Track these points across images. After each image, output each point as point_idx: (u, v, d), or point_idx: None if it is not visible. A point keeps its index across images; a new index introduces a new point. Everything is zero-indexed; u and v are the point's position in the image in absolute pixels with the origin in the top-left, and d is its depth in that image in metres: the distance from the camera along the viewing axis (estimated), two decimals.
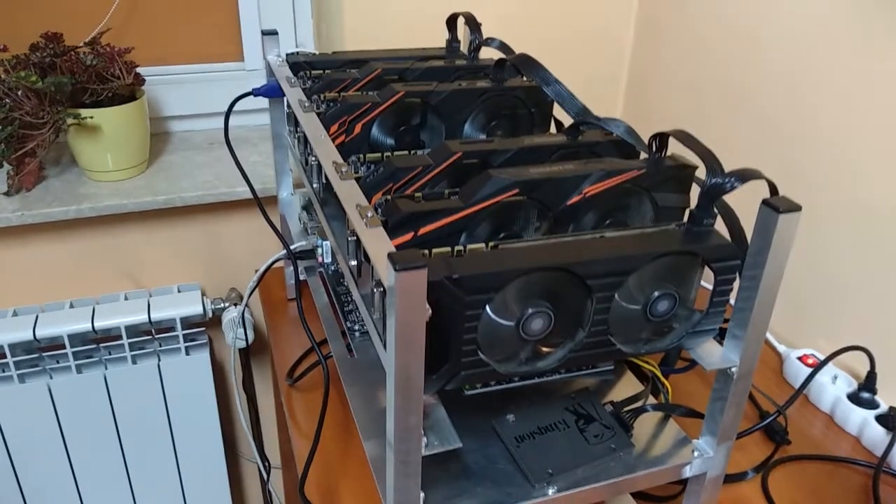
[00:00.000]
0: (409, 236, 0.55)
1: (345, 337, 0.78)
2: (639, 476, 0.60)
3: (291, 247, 0.87)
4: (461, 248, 0.52)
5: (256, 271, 0.94)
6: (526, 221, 0.59)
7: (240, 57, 1.29)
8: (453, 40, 0.99)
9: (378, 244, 0.52)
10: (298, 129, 0.80)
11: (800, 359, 0.97)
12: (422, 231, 0.55)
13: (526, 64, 0.77)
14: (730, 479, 0.81)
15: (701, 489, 0.64)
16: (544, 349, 0.55)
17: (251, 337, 1.21)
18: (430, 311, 0.45)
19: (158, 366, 1.17)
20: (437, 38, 1.04)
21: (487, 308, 0.50)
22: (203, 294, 1.21)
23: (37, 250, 1.15)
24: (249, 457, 1.46)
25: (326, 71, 0.90)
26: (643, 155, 0.63)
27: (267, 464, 1.20)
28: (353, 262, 0.67)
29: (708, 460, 0.62)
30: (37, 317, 1.11)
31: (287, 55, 0.93)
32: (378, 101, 0.77)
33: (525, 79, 0.85)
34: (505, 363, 0.53)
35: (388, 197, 0.58)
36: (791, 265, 1.04)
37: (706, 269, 0.57)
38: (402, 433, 0.49)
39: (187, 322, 1.17)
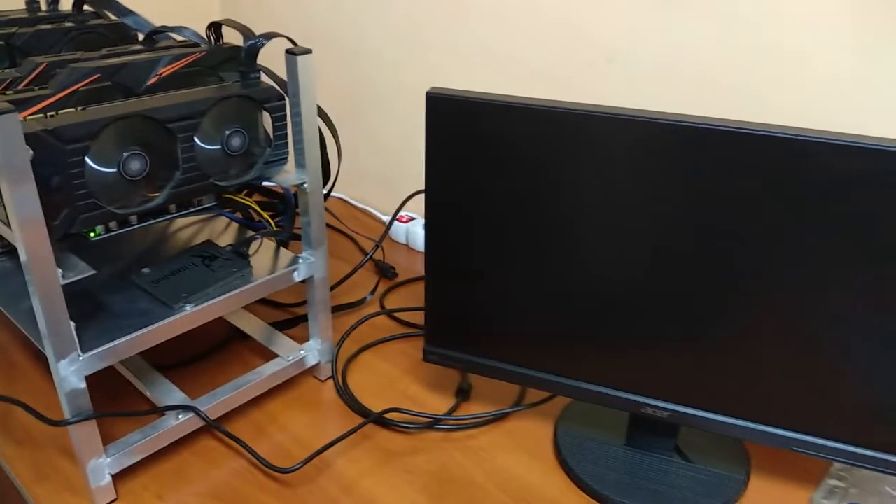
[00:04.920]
0: None
1: None
2: (258, 284, 0.78)
3: None
4: (53, 112, 0.63)
5: None
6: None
7: None
8: (32, 0, 1.06)
9: None
10: None
11: (398, 219, 1.24)
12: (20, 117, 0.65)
13: (98, 1, 0.89)
14: (357, 304, 1.05)
15: (315, 290, 0.84)
16: (152, 194, 0.69)
17: None
18: (32, 151, 0.57)
19: None
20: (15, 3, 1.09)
21: (88, 159, 0.63)
22: None
23: None
24: None
25: None
26: None
27: None
28: None
29: (311, 265, 0.82)
30: None
31: None
32: None
33: (112, 18, 0.96)
34: (120, 206, 0.67)
35: None
36: (386, 155, 1.31)
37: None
38: (37, 267, 0.60)
39: None
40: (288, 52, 0.72)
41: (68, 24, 0.92)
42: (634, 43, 0.92)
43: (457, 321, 0.78)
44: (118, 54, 0.78)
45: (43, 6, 1.07)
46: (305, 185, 0.78)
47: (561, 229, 0.69)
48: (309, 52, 0.73)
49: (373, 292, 1.08)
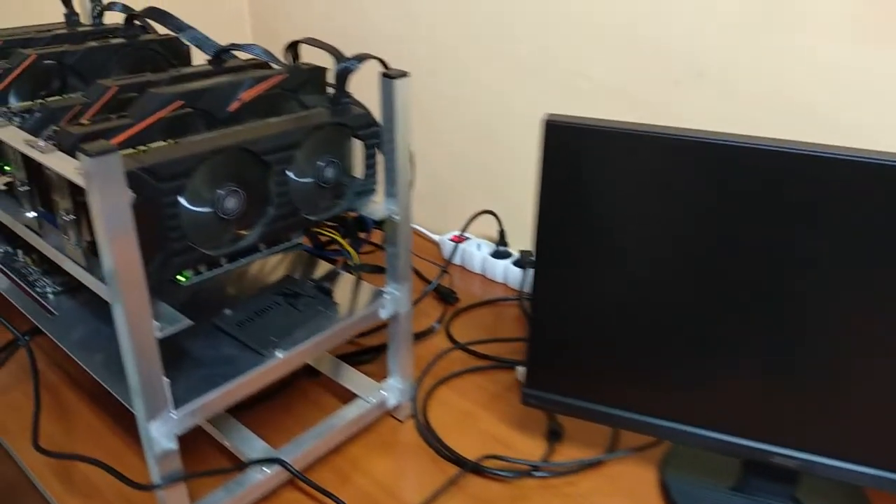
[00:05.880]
0: None
1: (39, 303, 0.76)
2: (347, 324, 0.72)
3: None
4: (143, 147, 0.57)
5: None
6: (197, 132, 0.66)
7: None
8: (71, 14, 0.99)
9: (63, 162, 0.55)
10: None
11: (451, 239, 1.19)
12: None
13: (156, 16, 0.83)
14: (423, 334, 0.99)
15: (398, 326, 0.78)
16: (244, 232, 0.63)
17: None
18: (133, 193, 0.51)
19: None
20: (53, 17, 1.02)
21: (183, 200, 0.57)
22: None
23: None
24: None
25: None
26: None
27: None
28: (32, 214, 0.67)
29: (396, 300, 0.77)
30: None
31: None
32: (10, 67, 0.76)
33: (160, 33, 0.90)
34: (212, 247, 0.61)
35: (56, 127, 0.60)
36: (436, 173, 1.25)
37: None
38: (134, 321, 0.54)
39: None
40: (384, 75, 0.67)
41: (117, 41, 0.86)
42: (724, 60, 0.87)
43: (562, 363, 0.72)
44: (190, 76, 0.72)
45: (83, 19, 1.00)
46: (396, 217, 0.72)
47: (676, 262, 0.64)
48: (406, 75, 0.67)
49: (440, 321, 1.02)
